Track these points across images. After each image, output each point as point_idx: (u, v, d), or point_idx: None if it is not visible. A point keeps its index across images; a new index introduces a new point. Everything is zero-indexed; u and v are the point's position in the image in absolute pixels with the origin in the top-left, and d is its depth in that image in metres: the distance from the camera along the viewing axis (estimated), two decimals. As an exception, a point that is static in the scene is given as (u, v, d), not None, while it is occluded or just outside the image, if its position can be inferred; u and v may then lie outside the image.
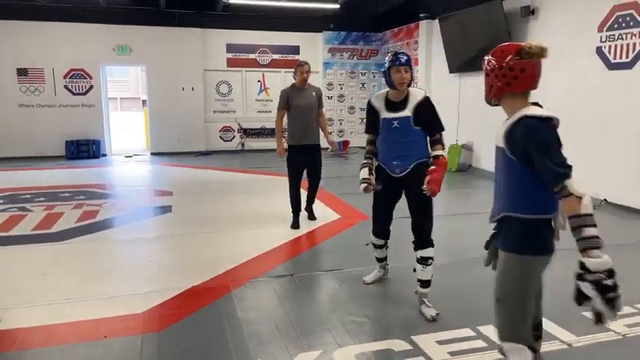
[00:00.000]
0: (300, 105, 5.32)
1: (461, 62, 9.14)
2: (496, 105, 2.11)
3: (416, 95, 3.27)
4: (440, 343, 2.89)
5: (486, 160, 8.72)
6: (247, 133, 12.28)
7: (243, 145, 12.26)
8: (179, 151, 11.48)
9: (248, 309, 3.37)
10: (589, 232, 1.76)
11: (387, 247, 3.75)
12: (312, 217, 5.66)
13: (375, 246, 3.72)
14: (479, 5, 8.19)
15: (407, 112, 3.25)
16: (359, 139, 12.98)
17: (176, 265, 4.30)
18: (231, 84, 12.09)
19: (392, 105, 3.32)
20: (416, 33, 10.97)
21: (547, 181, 1.89)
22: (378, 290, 3.70)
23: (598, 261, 1.74)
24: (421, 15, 10.57)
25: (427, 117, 3.26)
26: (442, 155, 3.28)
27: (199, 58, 11.68)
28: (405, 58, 3.24)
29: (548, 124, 1.95)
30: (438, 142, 3.30)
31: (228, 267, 4.14)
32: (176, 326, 3.12)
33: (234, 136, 12.31)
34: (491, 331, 3.02)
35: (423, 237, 3.33)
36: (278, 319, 3.21)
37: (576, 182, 1.83)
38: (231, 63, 12.07)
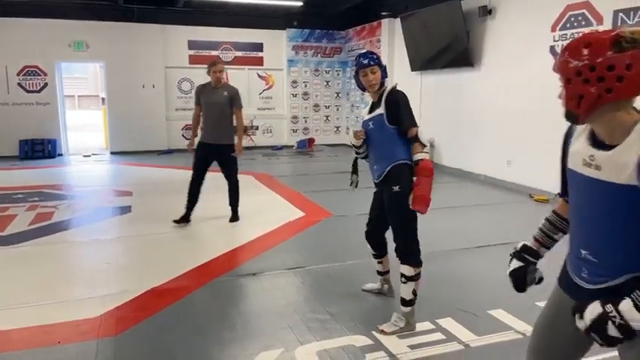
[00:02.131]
0: (208, 103, 5.24)
1: (422, 60, 9.28)
2: (583, 123, 1.45)
3: (386, 90, 3.03)
4: (400, 337, 2.92)
5: (447, 156, 8.90)
6: (211, 131, 12.10)
7: (206, 143, 12.08)
8: (140, 150, 11.22)
9: (209, 309, 3.33)
10: None
11: (385, 261, 3.43)
12: (232, 218, 5.51)
13: (372, 255, 3.43)
14: (438, 4, 8.33)
15: (380, 109, 3.00)
16: (324, 136, 13.03)
17: (135, 267, 4.21)
18: (194, 81, 11.87)
19: (372, 106, 3.11)
20: (378, 31, 11.07)
21: None
22: (341, 287, 3.71)
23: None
24: (383, 13, 10.68)
25: (394, 110, 2.95)
26: (422, 159, 2.91)
27: (160, 54, 11.44)
28: (368, 60, 2.99)
29: None
30: (414, 140, 2.94)
31: (189, 267, 4.07)
32: (133, 330, 3.04)
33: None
34: (449, 324, 3.10)
35: (397, 249, 3.04)
36: (239, 319, 3.18)
37: None
38: (193, 60, 11.87)
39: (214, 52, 11.96)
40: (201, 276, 3.92)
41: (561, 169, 1.61)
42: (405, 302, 3.01)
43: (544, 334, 1.66)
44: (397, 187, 2.93)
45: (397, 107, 2.93)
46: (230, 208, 5.53)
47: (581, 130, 1.50)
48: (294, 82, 12.65)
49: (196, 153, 5.34)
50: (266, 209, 6.22)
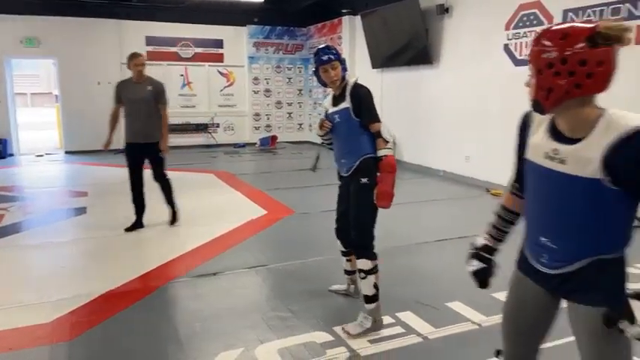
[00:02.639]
0: (130, 100, 4.88)
1: (383, 58, 9.37)
2: (548, 113, 1.47)
3: (350, 84, 2.99)
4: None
5: (408, 153, 9.03)
6: (170, 129, 11.83)
7: (166, 141, 11.84)
8: (96, 149, 10.83)
9: (167, 311, 3.27)
10: None
11: (354, 260, 3.30)
12: (172, 220, 5.26)
13: (341, 252, 3.39)
14: (398, 2, 8.42)
15: (345, 103, 2.95)
16: (287, 134, 12.99)
17: (91, 270, 4.09)
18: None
19: (335, 99, 3.06)
20: (339, 28, 11.11)
21: None
22: (303, 285, 3.71)
23: None
24: (343, 11, 10.72)
25: (357, 104, 2.92)
26: (386, 155, 2.90)
27: (116, 51, 11.08)
28: (327, 56, 2.93)
29: None
30: (376, 135, 2.92)
31: (147, 269, 3.98)
32: (88, 334, 2.95)
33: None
34: (409, 317, 3.15)
35: (353, 241, 3.05)
36: (199, 320, 3.14)
37: None
38: (151, 56, 11.53)
39: (173, 49, 11.74)
40: (158, 278, 3.84)
41: (517, 159, 1.64)
42: (368, 299, 2.97)
43: (511, 317, 1.71)
44: (366, 179, 2.93)
45: (361, 102, 2.92)
46: (168, 208, 5.26)
47: (539, 122, 1.52)
48: (256, 78, 12.55)
49: (127, 156, 5.04)
50: (227, 208, 6.16)
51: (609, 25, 1.30)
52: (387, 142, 2.94)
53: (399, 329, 3.00)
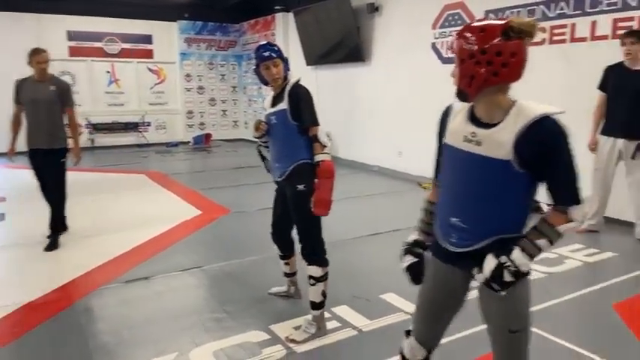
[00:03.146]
0: (32, 100, 4.39)
1: (317, 55, 9.43)
2: (471, 101, 1.61)
3: (289, 84, 2.87)
4: (297, 328, 2.95)
5: (343, 148, 9.16)
6: (97, 128, 11.33)
7: (92, 141, 11.28)
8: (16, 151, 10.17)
9: (95, 320, 3.13)
10: (542, 243, 1.55)
11: (292, 263, 3.32)
12: (50, 245, 4.43)
13: (278, 255, 3.32)
14: (329, 0, 8.50)
15: (283, 104, 2.85)
16: (222, 131, 12.77)
17: (11, 280, 3.83)
18: (75, 75, 11.01)
19: (274, 99, 2.95)
20: (273, 25, 11.06)
21: (558, 200, 1.56)
22: (239, 285, 3.68)
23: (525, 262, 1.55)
24: (276, 7, 10.68)
25: (296, 106, 2.82)
26: (323, 160, 2.82)
27: (35, 46, 10.41)
28: (269, 52, 2.83)
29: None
30: (314, 139, 2.82)
31: (73, 277, 3.79)
32: (10, 348, 2.77)
33: (81, 132, 11.25)
34: (344, 311, 3.20)
35: (302, 250, 2.96)
36: (130, 327, 3.03)
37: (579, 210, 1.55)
38: (74, 52, 11.00)
39: (98, 44, 11.20)
40: (84, 286, 3.66)
41: (437, 148, 1.77)
42: (315, 305, 2.91)
43: (425, 298, 1.82)
44: (302, 185, 2.83)
45: (299, 103, 2.82)
46: (50, 230, 4.49)
47: (459, 110, 1.67)
48: (188, 75, 12.22)
49: (31, 164, 4.52)
50: (159, 209, 5.97)
51: (521, 20, 1.48)
52: (325, 146, 2.84)
53: (335, 323, 3.04)
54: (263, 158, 3.23)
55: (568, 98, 5.28)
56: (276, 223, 3.19)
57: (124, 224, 5.24)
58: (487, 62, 1.48)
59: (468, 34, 1.51)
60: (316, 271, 2.91)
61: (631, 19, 4.79)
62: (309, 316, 2.94)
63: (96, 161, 9.64)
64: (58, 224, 4.56)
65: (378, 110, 8.20)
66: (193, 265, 4.03)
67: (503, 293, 1.58)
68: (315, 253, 2.93)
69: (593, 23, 5.12)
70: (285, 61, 2.91)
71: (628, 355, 2.68)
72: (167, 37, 11.90)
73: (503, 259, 1.54)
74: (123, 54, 11.47)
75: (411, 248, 1.83)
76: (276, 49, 2.89)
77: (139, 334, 2.95)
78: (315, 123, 2.85)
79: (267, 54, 2.83)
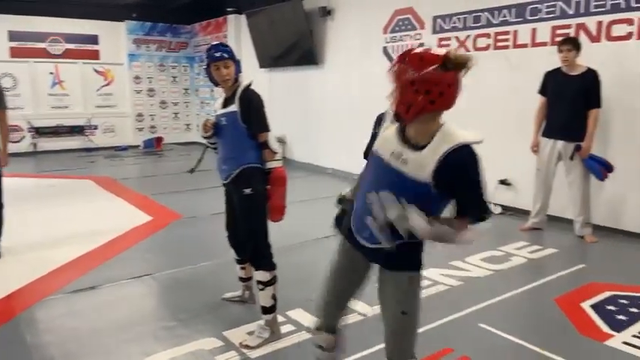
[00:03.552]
0: None
1: (270, 58, 9.40)
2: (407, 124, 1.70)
3: (241, 87, 2.85)
4: (251, 333, 2.93)
5: (298, 151, 9.17)
6: (40, 132, 10.82)
7: (35, 145, 10.78)
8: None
9: (39, 332, 2.99)
10: (441, 222, 1.67)
11: (248, 267, 3.24)
12: None
13: (234, 259, 3.28)
14: (282, 3, 8.50)
15: (233, 106, 2.81)
16: (174, 135, 12.49)
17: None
18: (17, 77, 10.50)
19: (225, 101, 2.92)
20: (225, 27, 10.93)
21: (470, 214, 1.69)
22: (191, 292, 3.61)
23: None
24: (229, 9, 10.57)
25: (246, 110, 2.80)
26: (275, 167, 2.84)
27: (-29, 46, 9.89)
28: (220, 52, 2.81)
29: None
30: (263, 146, 2.83)
31: (14, 288, 3.61)
32: (-60, 368, 2.61)
33: (23, 136, 10.74)
34: (299, 314, 3.20)
35: (249, 255, 2.96)
36: (76, 339, 2.91)
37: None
38: (15, 53, 10.47)
39: (41, 45, 10.71)
40: (29, 296, 3.50)
41: (369, 142, 1.90)
42: (266, 310, 2.89)
43: (332, 278, 2.03)
44: (248, 189, 2.81)
45: (250, 109, 2.80)
46: None
47: (391, 122, 1.77)
48: (137, 77, 11.88)
49: None
50: (108, 216, 5.78)
51: (457, 54, 1.57)
52: (275, 153, 2.87)
53: (289, 327, 3.04)
54: (200, 159, 3.28)
55: (512, 100, 5.52)
56: (228, 225, 3.17)
57: (69, 232, 5.03)
58: (425, 91, 1.56)
59: (408, 62, 1.59)
60: (264, 275, 2.89)
61: (568, 26, 5.05)
62: (262, 321, 2.93)
63: (39, 166, 9.23)
64: None
65: (332, 113, 8.27)
66: (144, 273, 3.93)
67: (388, 246, 1.70)
68: (262, 257, 2.91)
69: (534, 30, 5.37)
70: (236, 62, 2.88)
71: (570, 347, 2.82)
72: (114, 37, 11.52)
73: (409, 209, 1.62)
74: (67, 55, 11.02)
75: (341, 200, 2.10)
76: (227, 49, 2.87)
77: (86, 345, 2.84)
78: (266, 129, 2.85)
79: (218, 54, 2.81)
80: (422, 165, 1.62)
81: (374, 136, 1.86)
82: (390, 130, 1.77)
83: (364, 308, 3.12)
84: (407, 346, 1.89)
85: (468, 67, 1.58)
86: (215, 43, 2.95)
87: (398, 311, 1.84)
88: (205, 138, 3.04)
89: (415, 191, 1.64)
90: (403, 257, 1.78)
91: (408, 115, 1.62)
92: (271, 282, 2.91)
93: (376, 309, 3.14)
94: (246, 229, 2.93)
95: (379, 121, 1.86)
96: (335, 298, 2.04)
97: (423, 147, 1.63)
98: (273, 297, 2.92)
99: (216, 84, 2.92)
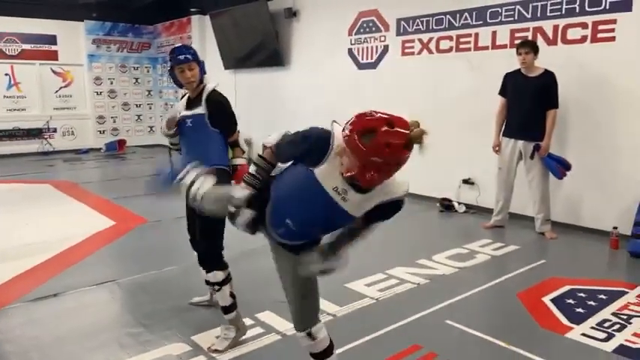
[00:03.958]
0: None
1: (235, 59, 9.32)
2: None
3: (207, 89, 2.86)
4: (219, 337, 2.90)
5: (265, 153, 9.10)
6: (-7, 135, 10.40)
7: (-10, 149, 10.36)
8: None
9: (-3, 343, 2.87)
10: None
11: None
12: None
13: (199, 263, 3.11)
14: (246, 4, 8.45)
15: (200, 109, 2.81)
16: (136, 137, 12.22)
17: None
18: (-31, 78, 10.07)
19: (190, 102, 2.90)
20: (188, 28, 10.78)
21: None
22: (156, 297, 3.54)
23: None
24: (192, 10, 10.43)
25: (215, 112, 2.82)
26: (241, 164, 2.87)
27: None
28: (184, 55, 2.80)
29: None
30: (233, 144, 2.89)
31: (-32, 298, 3.46)
32: None
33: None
34: (268, 317, 3.18)
35: (199, 256, 2.94)
36: (37, 349, 2.81)
37: None
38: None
39: (-5, 44, 10.30)
40: (-16, 306, 3.35)
41: (299, 152, 1.87)
42: (226, 309, 2.87)
43: (283, 279, 2.18)
44: None
45: (220, 111, 2.83)
46: None
47: (335, 157, 1.73)
48: (98, 78, 11.57)
49: None
50: (68, 221, 5.60)
51: (416, 134, 1.60)
52: (244, 151, 2.92)
53: (258, 329, 3.02)
54: (171, 163, 3.23)
55: (474, 101, 5.66)
56: (190, 227, 3.14)
57: (28, 239, 4.84)
58: (388, 170, 1.64)
59: (371, 147, 1.57)
60: (216, 275, 2.85)
61: (526, 29, 5.22)
62: (226, 322, 2.90)
63: (-6, 171, 8.86)
64: None
65: (299, 114, 8.23)
66: (107, 279, 3.82)
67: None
68: (214, 257, 2.88)
69: (494, 33, 5.52)
70: (200, 63, 2.88)
71: (532, 340, 2.91)
72: (73, 37, 11.18)
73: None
74: (23, 55, 10.64)
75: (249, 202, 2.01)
76: (191, 51, 2.86)
77: (49, 355, 2.75)
78: (235, 128, 2.91)
79: (182, 57, 2.80)
80: (361, 206, 1.80)
81: (308, 153, 1.81)
82: (334, 164, 1.75)
83: (284, 326, 3.06)
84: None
85: (423, 141, 1.64)
86: (178, 45, 2.94)
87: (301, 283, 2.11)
88: (168, 136, 3.01)
89: (343, 219, 1.85)
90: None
91: (367, 186, 1.71)
92: (226, 281, 2.88)
93: (344, 309, 3.21)
94: (200, 230, 2.88)
95: (325, 145, 1.77)
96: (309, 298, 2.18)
97: (366, 192, 1.76)
98: (232, 295, 2.89)
99: (181, 86, 2.91)
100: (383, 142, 1.56)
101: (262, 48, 8.60)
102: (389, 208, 1.83)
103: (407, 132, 1.59)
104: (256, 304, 3.30)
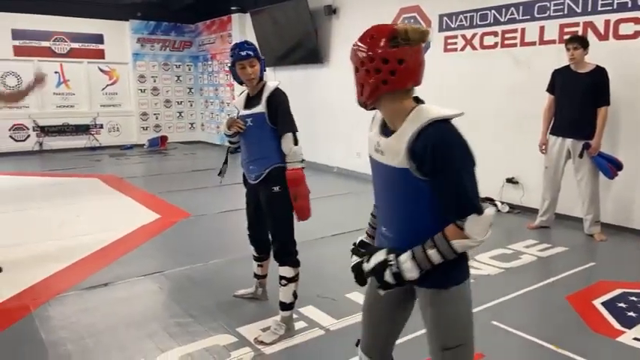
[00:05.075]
0: None
1: (275, 57, 9.39)
2: (373, 109, 1.58)
3: (269, 88, 2.84)
4: (265, 330, 2.94)
5: (304, 150, 9.15)
6: (46, 131, 10.85)
7: (41, 144, 10.81)
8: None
9: (54, 329, 3.00)
10: (432, 253, 1.47)
11: (265, 265, 3.29)
12: None
13: (253, 257, 3.29)
14: (287, 2, 8.50)
15: (261, 107, 2.81)
16: (178, 134, 12.52)
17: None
18: (21, 75, 10.51)
19: (250, 101, 2.92)
20: (229, 26, 10.94)
21: (446, 211, 1.47)
22: (203, 288, 3.63)
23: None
24: (233, 8, 10.57)
25: (274, 112, 2.81)
26: (292, 167, 2.84)
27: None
28: (246, 51, 2.79)
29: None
30: (284, 144, 2.84)
31: (27, 285, 3.62)
32: (-41, 363, 2.63)
33: (29, 135, 10.78)
34: (311, 311, 3.21)
35: (275, 251, 2.97)
36: (91, 335, 2.93)
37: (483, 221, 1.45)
38: (19, 51, 10.49)
39: (45, 43, 10.74)
40: (43, 293, 3.51)
41: None
42: (285, 306, 2.92)
43: (368, 308, 1.79)
44: (277, 187, 2.84)
45: (276, 108, 2.81)
46: None
47: (377, 118, 1.64)
48: (142, 76, 11.91)
49: None
50: (116, 214, 5.80)
51: (408, 27, 1.43)
52: (298, 156, 2.88)
53: (302, 324, 3.05)
54: (226, 161, 3.26)
55: (520, 98, 5.52)
56: (251, 225, 3.17)
57: (78, 230, 5.05)
58: (375, 70, 1.44)
59: (360, 42, 1.48)
60: (289, 271, 2.92)
61: (576, 24, 5.05)
62: (278, 317, 2.94)
63: (45, 165, 9.25)
64: None
65: (337, 111, 8.27)
66: (155, 270, 3.94)
67: (381, 292, 1.55)
68: (288, 254, 2.94)
69: (542, 28, 5.37)
70: (261, 60, 2.88)
71: (584, 344, 2.82)
72: (119, 36, 11.54)
73: (391, 257, 1.50)
74: (72, 54, 11.05)
75: (357, 249, 1.76)
76: (252, 47, 2.85)
77: (102, 341, 2.86)
78: (292, 129, 2.85)
79: (244, 53, 2.79)
80: (395, 150, 1.48)
81: None
82: (373, 127, 1.65)
83: (327, 321, 3.07)
84: None
85: (423, 40, 1.44)
86: (239, 41, 2.93)
87: (439, 347, 1.58)
88: (228, 136, 3.04)
89: (400, 182, 1.50)
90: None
91: (364, 98, 1.51)
92: (294, 279, 2.94)
93: (339, 322, 3.12)
94: (273, 226, 2.94)
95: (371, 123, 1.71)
96: (375, 336, 1.80)
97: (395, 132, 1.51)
98: (294, 294, 2.94)
99: (241, 83, 2.93)
100: (366, 34, 1.47)
101: (301, 45, 8.64)
102: (429, 151, 1.41)
103: (393, 28, 1.44)
104: (300, 298, 3.31)
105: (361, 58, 1.47)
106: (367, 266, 1.56)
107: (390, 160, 1.50)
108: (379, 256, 1.53)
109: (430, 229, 1.48)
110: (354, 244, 1.80)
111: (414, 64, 1.45)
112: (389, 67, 1.43)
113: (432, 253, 1.46)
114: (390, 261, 1.50)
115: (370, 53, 1.44)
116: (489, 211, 1.46)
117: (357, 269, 1.65)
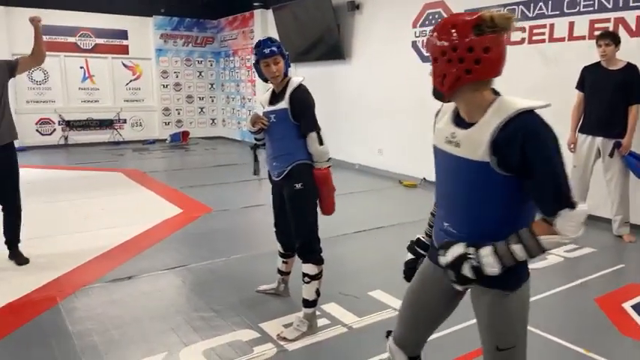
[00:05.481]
0: None
1: (296, 52, 9.36)
2: (449, 101, 1.53)
3: (293, 83, 2.83)
4: (287, 326, 2.94)
5: (324, 146, 9.14)
6: (71, 125, 11.04)
7: (66, 138, 11.01)
8: None
9: (80, 320, 3.05)
10: (516, 248, 1.42)
11: (290, 262, 3.28)
12: (19, 259, 3.94)
13: (279, 253, 3.29)
14: (309, -3, 8.48)
15: (284, 103, 2.80)
16: (199, 129, 12.61)
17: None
18: (48, 70, 10.71)
19: (274, 97, 2.90)
20: (251, 22, 10.97)
21: (540, 207, 1.43)
22: (225, 283, 3.64)
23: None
24: (255, 4, 10.59)
25: (297, 110, 2.80)
26: (318, 167, 2.85)
27: (4, 40, 10.08)
28: (270, 49, 2.75)
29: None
30: (309, 144, 2.83)
31: (54, 276, 3.69)
32: (-10, 351, 2.68)
33: (54, 129, 10.99)
34: (333, 308, 3.19)
35: (299, 248, 2.96)
36: (117, 327, 2.96)
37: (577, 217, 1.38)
38: (46, 47, 10.65)
39: (71, 39, 10.92)
40: (69, 285, 3.57)
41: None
42: (308, 303, 2.91)
43: (412, 301, 1.75)
44: (299, 184, 2.83)
45: (298, 106, 2.80)
46: (7, 243, 4.01)
47: (447, 109, 1.60)
48: (165, 72, 12.02)
49: None
50: (139, 208, 5.87)
51: (493, 14, 1.38)
52: (321, 154, 2.88)
53: (324, 321, 3.04)
54: (255, 158, 3.26)
55: (547, 95, 5.38)
56: (278, 222, 3.17)
57: (103, 223, 5.12)
58: (459, 59, 1.39)
59: (440, 31, 1.43)
60: (312, 269, 2.91)
61: (607, 20, 4.92)
62: (301, 314, 2.93)
63: (70, 159, 9.41)
64: (13, 241, 4.00)
65: (359, 108, 8.22)
66: (178, 264, 3.97)
67: (458, 287, 1.52)
68: (312, 251, 2.93)
69: (571, 24, 5.24)
70: (285, 57, 2.85)
71: (613, 348, 2.75)
72: (142, 32, 11.67)
73: (471, 250, 1.45)
74: (97, 49, 11.21)
75: (412, 246, 1.81)
76: (277, 44, 2.82)
77: (127, 333, 2.89)
78: (314, 128, 2.85)
79: (267, 51, 2.76)
80: (475, 142, 1.42)
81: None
82: (444, 118, 1.59)
83: (350, 319, 3.05)
84: None
85: (508, 27, 1.39)
86: (263, 38, 2.89)
87: (493, 346, 1.57)
88: (253, 133, 3.03)
89: (477, 177, 1.44)
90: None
91: (444, 88, 1.44)
92: (318, 276, 2.93)
93: (362, 320, 3.11)
94: (297, 224, 2.93)
95: (436, 116, 1.66)
96: (413, 328, 1.78)
97: (475, 123, 1.45)
98: (317, 292, 2.93)
99: (266, 80, 2.91)
100: (447, 22, 1.42)
101: (323, 41, 8.61)
102: (519, 141, 1.35)
103: (478, 15, 1.38)
104: (323, 295, 3.29)
105: (442, 48, 1.41)
106: (444, 259, 1.49)
107: (468, 152, 1.44)
108: (457, 249, 1.47)
109: (505, 227, 1.44)
110: (411, 241, 1.82)
111: (499, 53, 1.40)
112: (473, 56, 1.37)
113: (517, 248, 1.41)
114: (470, 254, 1.44)
115: (455, 42, 1.38)
116: (583, 206, 1.39)
117: (407, 265, 1.79)
